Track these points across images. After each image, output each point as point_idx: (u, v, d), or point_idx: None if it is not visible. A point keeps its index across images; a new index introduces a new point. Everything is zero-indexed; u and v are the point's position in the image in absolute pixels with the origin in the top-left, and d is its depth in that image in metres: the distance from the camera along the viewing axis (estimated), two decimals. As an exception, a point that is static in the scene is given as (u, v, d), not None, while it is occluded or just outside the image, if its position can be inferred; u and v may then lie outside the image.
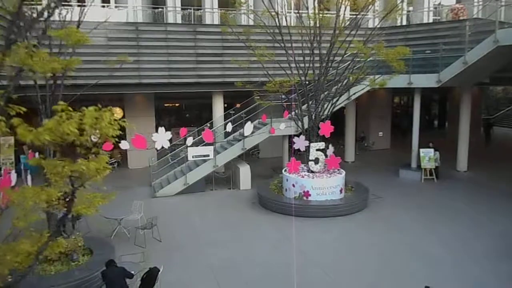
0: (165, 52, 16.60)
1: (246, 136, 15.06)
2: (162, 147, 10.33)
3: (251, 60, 16.59)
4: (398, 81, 16.58)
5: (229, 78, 16.98)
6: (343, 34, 14.15)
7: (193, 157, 15.27)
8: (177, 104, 26.24)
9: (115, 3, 17.58)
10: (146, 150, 17.39)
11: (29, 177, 9.38)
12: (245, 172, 16.10)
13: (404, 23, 19.62)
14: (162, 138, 10.24)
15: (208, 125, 17.78)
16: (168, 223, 12.36)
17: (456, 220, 12.49)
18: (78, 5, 16.63)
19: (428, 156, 16.81)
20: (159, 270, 7.99)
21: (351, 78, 14.56)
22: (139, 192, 15.58)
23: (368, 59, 15.40)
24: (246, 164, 16.66)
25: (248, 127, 12.48)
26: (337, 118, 21.83)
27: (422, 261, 9.89)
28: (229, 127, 13.13)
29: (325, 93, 14.66)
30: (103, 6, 17.34)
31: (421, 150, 17.02)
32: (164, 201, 14.77)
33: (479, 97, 26.94)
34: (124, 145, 9.71)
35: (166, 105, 24.94)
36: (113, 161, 19.57)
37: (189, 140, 10.86)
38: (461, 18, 17.17)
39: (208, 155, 15.29)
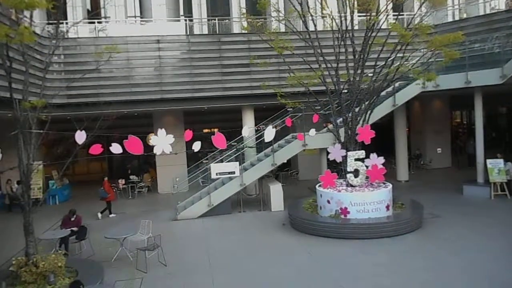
0: (188, 65, 15.62)
1: (274, 149, 13.36)
2: (163, 153, 8.88)
3: (281, 69, 15.27)
4: (454, 81, 14.40)
5: (257, 90, 15.50)
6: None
7: (217, 175, 13.84)
8: (215, 130, 25.35)
9: (139, 16, 17.20)
10: (174, 173, 16.51)
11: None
12: (276, 191, 14.17)
13: (457, 18, 17.29)
14: (162, 142, 8.80)
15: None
16: (181, 247, 10.80)
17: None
18: (98, 22, 16.46)
19: (498, 168, 13.91)
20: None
21: (390, 71, 12.47)
22: (162, 215, 14.22)
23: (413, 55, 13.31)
24: (278, 182, 14.77)
25: (269, 132, 10.84)
26: (388, 135, 19.42)
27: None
28: (245, 132, 11.58)
29: (360, 93, 12.69)
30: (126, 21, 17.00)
31: (488, 161, 14.18)
32: (185, 223, 13.24)
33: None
34: (115, 148, 8.40)
35: (205, 131, 24.10)
36: (143, 185, 18.69)
37: (196, 145, 9.43)
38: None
39: (233, 172, 13.77)
